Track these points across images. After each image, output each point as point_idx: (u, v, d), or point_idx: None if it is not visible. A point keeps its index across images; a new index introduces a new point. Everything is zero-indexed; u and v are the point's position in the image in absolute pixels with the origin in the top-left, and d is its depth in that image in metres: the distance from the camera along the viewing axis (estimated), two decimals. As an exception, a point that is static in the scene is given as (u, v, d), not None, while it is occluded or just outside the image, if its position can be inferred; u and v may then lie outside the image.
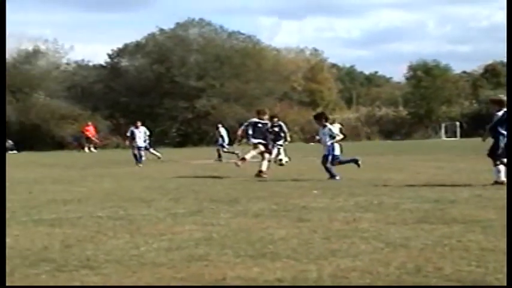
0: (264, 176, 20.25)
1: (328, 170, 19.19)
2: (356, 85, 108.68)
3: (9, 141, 63.00)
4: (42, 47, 78.77)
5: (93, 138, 57.16)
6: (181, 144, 70.13)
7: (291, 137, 31.34)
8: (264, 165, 20.80)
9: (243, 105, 69.20)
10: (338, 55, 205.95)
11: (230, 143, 35.33)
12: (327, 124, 19.99)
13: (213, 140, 66.54)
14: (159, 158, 34.26)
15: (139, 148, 30.67)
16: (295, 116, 69.54)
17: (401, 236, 9.00)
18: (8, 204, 13.99)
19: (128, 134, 32.14)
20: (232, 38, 79.76)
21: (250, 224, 10.36)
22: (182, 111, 73.43)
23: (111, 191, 17.02)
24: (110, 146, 62.74)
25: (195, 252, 8.09)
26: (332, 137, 19.57)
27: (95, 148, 56.28)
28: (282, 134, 28.07)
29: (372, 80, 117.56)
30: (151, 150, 34.71)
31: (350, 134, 67.39)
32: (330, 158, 19.40)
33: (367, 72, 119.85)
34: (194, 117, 73.97)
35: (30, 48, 78.58)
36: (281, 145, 27.98)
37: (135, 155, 30.28)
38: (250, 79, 74.31)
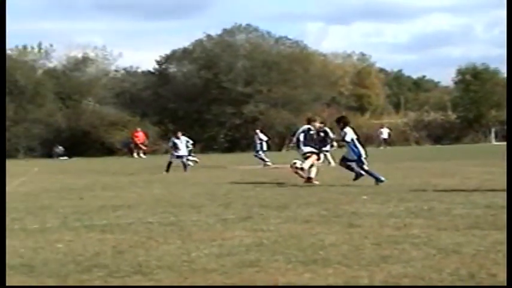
0: (315, 182, 20.17)
1: (369, 173, 19.14)
2: (404, 90, 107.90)
3: (60, 148, 63.78)
4: (92, 54, 79.54)
5: (141, 145, 57.41)
6: (229, 149, 70.24)
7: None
8: (313, 172, 20.72)
9: (290, 110, 69.11)
10: (385, 60, 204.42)
11: (268, 149, 35.41)
12: (345, 129, 19.99)
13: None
14: (196, 162, 34.41)
15: (182, 157, 30.69)
16: (343, 121, 69.18)
17: (453, 241, 8.92)
18: (59, 210, 14.19)
19: (170, 144, 32.21)
20: (280, 44, 79.70)
21: (300, 230, 10.35)
22: (230, 117, 73.54)
23: (161, 197, 17.11)
24: (158, 152, 63.07)
25: (246, 258, 8.11)
26: (346, 141, 19.65)
27: (144, 154, 56.59)
28: (328, 140, 27.99)
29: (419, 84, 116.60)
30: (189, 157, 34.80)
31: (398, 139, 67.07)
32: (362, 159, 19.45)
33: (414, 77, 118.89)
34: (242, 122, 74.01)
35: (80, 55, 79.40)
36: (327, 151, 27.87)
37: (170, 163, 30.23)
38: (297, 84, 74.15)
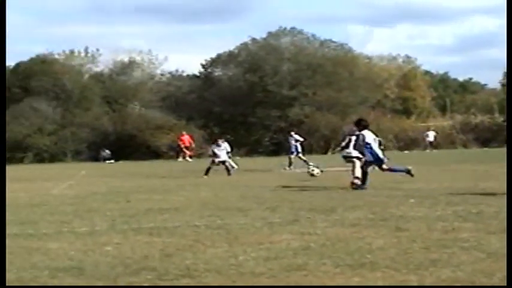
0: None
1: (394, 170, 19.38)
2: (450, 92, 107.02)
3: (106, 151, 64.30)
4: (137, 58, 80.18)
5: (184, 149, 57.49)
6: (274, 152, 70.24)
7: (384, 145, 30.93)
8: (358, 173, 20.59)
9: (336, 113, 68.98)
10: (431, 62, 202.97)
11: (303, 152, 35.41)
12: (362, 131, 20.05)
13: (305, 149, 66.46)
14: (233, 167, 34.29)
15: (224, 162, 30.71)
16: (388, 124, 68.92)
17: (503, 245, 8.82)
18: (107, 213, 14.30)
19: (210, 153, 32.27)
20: (324, 46, 79.55)
21: (348, 234, 10.32)
22: (275, 120, 73.55)
23: (207, 200, 17.16)
24: (204, 155, 63.32)
25: (294, 262, 8.10)
26: (366, 143, 19.67)
27: (190, 157, 56.76)
28: None
29: (466, 86, 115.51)
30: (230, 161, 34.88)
31: (445, 141, 66.50)
32: (384, 161, 19.69)
33: (461, 79, 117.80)
34: (287, 126, 73.93)
35: (126, 59, 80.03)
36: None
37: (209, 168, 30.21)
38: (343, 87, 73.98)
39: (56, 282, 7.43)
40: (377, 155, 19.86)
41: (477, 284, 6.86)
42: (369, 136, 20.10)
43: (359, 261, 8.08)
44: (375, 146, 20.00)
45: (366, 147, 19.89)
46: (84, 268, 8.14)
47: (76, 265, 8.35)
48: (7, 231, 11.75)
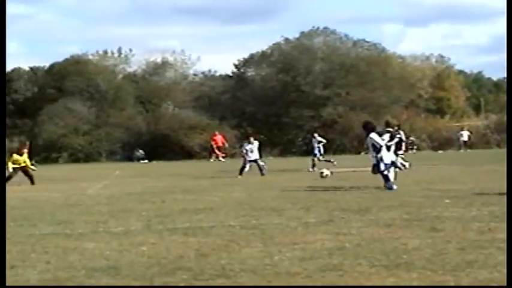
0: (394, 186, 19.92)
1: (386, 179, 19.30)
2: (484, 92, 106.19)
3: (140, 151, 64.57)
4: (170, 59, 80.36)
5: (216, 150, 57.47)
6: (307, 153, 70.06)
7: (417, 145, 30.94)
8: (391, 176, 20.50)
9: (369, 113, 68.58)
10: (465, 61, 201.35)
11: (325, 152, 35.29)
12: (370, 134, 19.99)
13: (339, 149, 66.32)
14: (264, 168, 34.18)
15: (255, 161, 30.70)
16: (422, 124, 68.58)
17: (541, 246, 8.74)
18: (142, 213, 14.37)
19: (243, 150, 32.27)
20: (358, 46, 79.27)
21: (383, 234, 10.29)
22: (308, 120, 73.40)
23: (241, 200, 17.18)
24: (238, 155, 63.40)
25: (329, 262, 8.09)
26: (374, 146, 19.61)
27: (224, 157, 56.78)
28: (403, 143, 27.74)
29: (500, 86, 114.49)
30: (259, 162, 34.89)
31: (479, 141, 65.99)
32: (381, 166, 19.45)
33: (495, 79, 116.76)
34: (320, 126, 73.79)
35: (159, 59, 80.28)
36: (402, 154, 27.76)
37: (243, 167, 30.23)
38: (376, 87, 73.67)
39: (92, 282, 7.49)
40: (381, 158, 19.74)
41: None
42: (375, 139, 20.04)
43: (394, 261, 8.05)
44: (384, 148, 19.90)
45: (379, 150, 19.83)
46: (120, 268, 8.19)
47: (112, 265, 8.40)
48: (44, 231, 11.87)
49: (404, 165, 28.65)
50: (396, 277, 7.27)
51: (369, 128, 20.48)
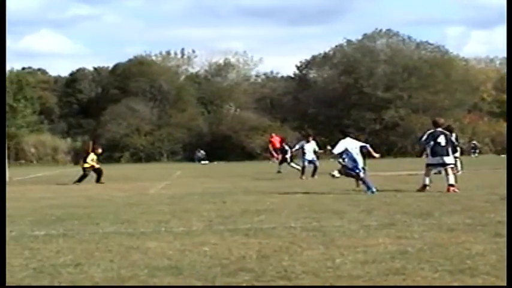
0: (456, 190, 19.69)
1: (364, 182, 20.05)
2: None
3: (202, 152, 64.94)
4: (233, 60, 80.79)
5: (273, 151, 57.23)
6: (369, 155, 69.84)
7: (480, 149, 30.71)
8: (452, 179, 20.28)
9: (431, 116, 68.09)
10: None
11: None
12: (343, 139, 20.91)
13: (400, 151, 65.78)
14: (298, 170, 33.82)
15: (310, 162, 30.63)
16: (485, 127, 67.86)
17: None
18: (203, 213, 14.45)
19: (298, 146, 32.19)
20: (421, 48, 78.78)
21: (446, 238, 10.17)
22: (370, 123, 73.16)
23: (302, 202, 17.16)
24: (298, 157, 63.36)
25: (392, 266, 8.03)
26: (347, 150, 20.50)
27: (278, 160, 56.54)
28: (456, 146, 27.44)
29: None
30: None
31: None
32: (355, 170, 20.28)
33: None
34: (382, 128, 73.51)
35: (221, 61, 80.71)
36: (456, 157, 27.60)
37: (303, 168, 30.21)
38: (438, 90, 73.11)
39: (155, 281, 7.54)
40: (355, 162, 20.45)
41: None
42: (345, 144, 20.75)
43: (458, 266, 7.96)
44: (355, 153, 20.59)
45: (347, 154, 20.63)
46: (182, 268, 8.24)
47: (174, 264, 8.46)
48: (107, 230, 12.01)
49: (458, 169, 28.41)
50: (460, 282, 7.19)
51: (344, 133, 21.95)
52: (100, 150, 31.09)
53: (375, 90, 73.21)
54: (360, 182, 20.64)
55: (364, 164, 21.62)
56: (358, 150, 20.74)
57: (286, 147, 36.82)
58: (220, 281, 7.49)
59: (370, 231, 11.08)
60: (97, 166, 29.38)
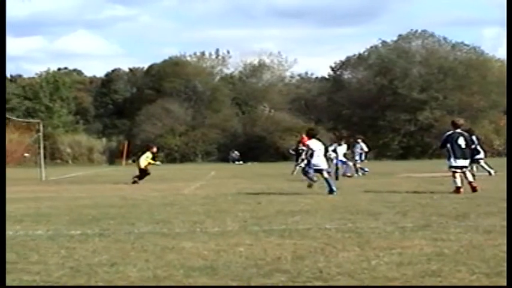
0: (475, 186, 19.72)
1: (328, 182, 20.69)
2: None
3: (236, 152, 65.02)
4: (267, 61, 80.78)
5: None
6: (403, 156, 69.52)
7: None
8: (470, 177, 20.25)
9: (466, 118, 67.57)
10: None
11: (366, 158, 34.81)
12: (309, 140, 21.56)
13: (435, 153, 65.39)
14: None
15: (342, 162, 30.59)
16: (521, 130, 67.12)
17: None
18: (238, 214, 14.46)
19: (331, 149, 32.22)
20: (456, 50, 78.27)
21: (482, 241, 10.09)
22: (404, 124, 72.83)
23: (336, 203, 17.12)
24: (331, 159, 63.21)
25: (428, 268, 7.98)
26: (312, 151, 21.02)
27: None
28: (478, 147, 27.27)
29: None
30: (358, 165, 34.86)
31: None
32: (309, 170, 20.98)
33: None
34: (417, 129, 73.15)
35: (256, 61, 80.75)
36: (481, 159, 27.55)
37: (337, 169, 30.16)
38: (474, 91, 72.63)
39: (190, 281, 7.56)
40: (318, 163, 20.85)
41: None
42: (315, 145, 21.12)
43: (495, 269, 7.89)
44: (320, 154, 21.04)
45: (312, 155, 20.90)
46: (218, 268, 8.25)
47: (210, 265, 8.47)
48: (142, 229, 12.07)
49: (490, 172, 28.28)
50: (497, 285, 7.13)
51: (311, 134, 22.24)
52: (155, 149, 31.37)
53: (410, 91, 72.86)
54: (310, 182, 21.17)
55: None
56: (321, 152, 21.27)
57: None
58: (255, 282, 7.49)
59: (405, 233, 11.02)
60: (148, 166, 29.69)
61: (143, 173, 29.29)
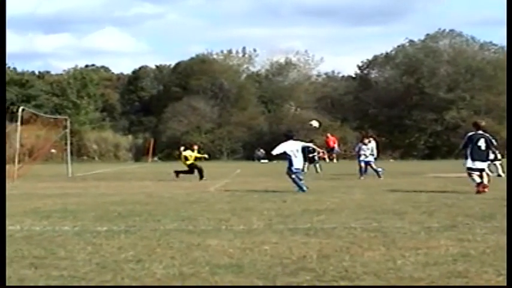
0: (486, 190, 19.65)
1: (296, 182, 21.32)
2: None
3: (261, 151, 64.96)
4: (294, 59, 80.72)
5: (323, 151, 56.73)
6: (429, 156, 69.20)
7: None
8: (485, 179, 20.18)
9: (494, 118, 67.28)
10: None
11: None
12: (286, 141, 22.29)
13: (461, 153, 65.06)
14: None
15: (366, 163, 30.50)
16: (549, 130, 66.63)
17: None
18: (263, 212, 14.48)
19: (356, 149, 32.20)
20: (484, 49, 77.83)
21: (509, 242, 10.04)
22: (431, 123, 72.48)
23: (362, 202, 17.10)
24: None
25: (454, 269, 7.95)
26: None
27: (330, 159, 56.11)
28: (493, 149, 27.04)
29: None
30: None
31: None
32: (291, 170, 21.57)
33: None
34: (443, 129, 72.80)
35: (282, 60, 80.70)
36: (497, 160, 27.44)
37: (361, 167, 30.14)
38: (502, 91, 72.08)
39: (216, 279, 7.58)
40: (291, 164, 21.65)
41: None
42: (290, 146, 21.83)
43: (522, 270, 7.85)
44: (298, 155, 21.78)
45: (287, 157, 21.68)
46: (243, 266, 8.27)
47: (235, 263, 8.49)
48: (168, 226, 12.11)
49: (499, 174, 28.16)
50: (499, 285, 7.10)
51: (289, 136, 22.67)
52: (196, 147, 31.59)
53: (437, 90, 72.53)
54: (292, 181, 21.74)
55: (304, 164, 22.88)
56: (298, 153, 21.84)
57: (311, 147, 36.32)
58: (281, 281, 7.50)
59: (431, 233, 10.99)
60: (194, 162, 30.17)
61: (192, 168, 29.78)
